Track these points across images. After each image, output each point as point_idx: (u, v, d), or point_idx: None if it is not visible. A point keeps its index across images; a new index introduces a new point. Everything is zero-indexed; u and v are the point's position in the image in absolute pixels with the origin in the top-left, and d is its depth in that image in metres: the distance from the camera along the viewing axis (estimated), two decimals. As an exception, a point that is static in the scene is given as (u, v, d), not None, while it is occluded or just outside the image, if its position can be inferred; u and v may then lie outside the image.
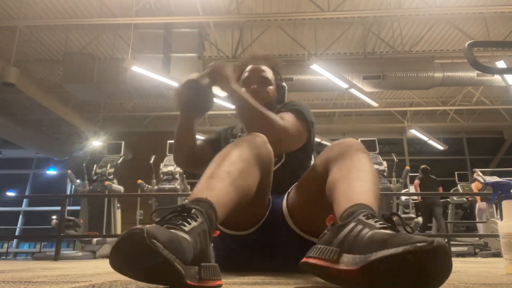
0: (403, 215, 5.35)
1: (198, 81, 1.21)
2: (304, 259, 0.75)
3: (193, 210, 0.72)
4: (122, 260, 0.62)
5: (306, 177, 1.11)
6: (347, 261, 0.64)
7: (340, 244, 0.68)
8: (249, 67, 1.46)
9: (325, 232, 0.76)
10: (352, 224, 0.69)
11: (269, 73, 1.45)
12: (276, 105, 1.41)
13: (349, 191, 0.83)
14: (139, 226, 0.60)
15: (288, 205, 1.16)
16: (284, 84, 1.50)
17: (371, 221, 0.68)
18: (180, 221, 0.68)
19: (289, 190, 1.21)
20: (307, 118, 1.28)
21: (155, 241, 0.58)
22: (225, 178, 0.85)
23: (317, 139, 9.16)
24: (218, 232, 0.79)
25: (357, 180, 0.86)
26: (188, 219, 0.69)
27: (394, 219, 0.69)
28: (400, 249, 0.56)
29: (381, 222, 0.68)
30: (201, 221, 0.71)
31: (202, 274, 0.65)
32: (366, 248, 0.62)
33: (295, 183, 1.18)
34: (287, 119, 1.22)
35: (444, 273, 0.59)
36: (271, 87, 1.43)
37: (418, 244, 0.55)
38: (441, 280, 0.59)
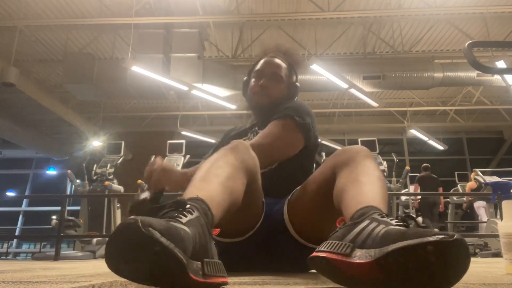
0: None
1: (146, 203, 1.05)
2: (313, 254, 0.72)
3: (188, 205, 0.70)
4: (117, 255, 0.56)
5: (311, 181, 1.11)
6: (361, 255, 0.61)
7: (353, 240, 0.66)
8: (264, 59, 1.42)
9: (336, 230, 0.74)
10: (366, 222, 0.68)
11: (283, 70, 1.41)
12: (284, 104, 1.36)
13: (359, 194, 0.83)
14: (132, 217, 0.56)
15: (289, 213, 1.16)
16: (297, 83, 1.46)
17: (386, 219, 0.67)
18: (176, 214, 0.66)
19: (289, 197, 1.20)
20: (301, 121, 1.26)
21: (151, 228, 0.54)
22: (213, 180, 0.85)
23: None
24: (218, 230, 0.77)
25: (366, 184, 0.86)
26: (184, 212, 0.67)
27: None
28: (419, 240, 0.56)
29: (397, 220, 0.67)
30: (197, 215, 0.69)
31: (205, 270, 0.62)
32: (381, 242, 0.60)
33: (297, 189, 1.18)
34: (272, 133, 1.23)
35: (462, 267, 0.58)
36: (281, 85, 1.39)
37: (439, 236, 0.55)
38: (459, 275, 0.58)
